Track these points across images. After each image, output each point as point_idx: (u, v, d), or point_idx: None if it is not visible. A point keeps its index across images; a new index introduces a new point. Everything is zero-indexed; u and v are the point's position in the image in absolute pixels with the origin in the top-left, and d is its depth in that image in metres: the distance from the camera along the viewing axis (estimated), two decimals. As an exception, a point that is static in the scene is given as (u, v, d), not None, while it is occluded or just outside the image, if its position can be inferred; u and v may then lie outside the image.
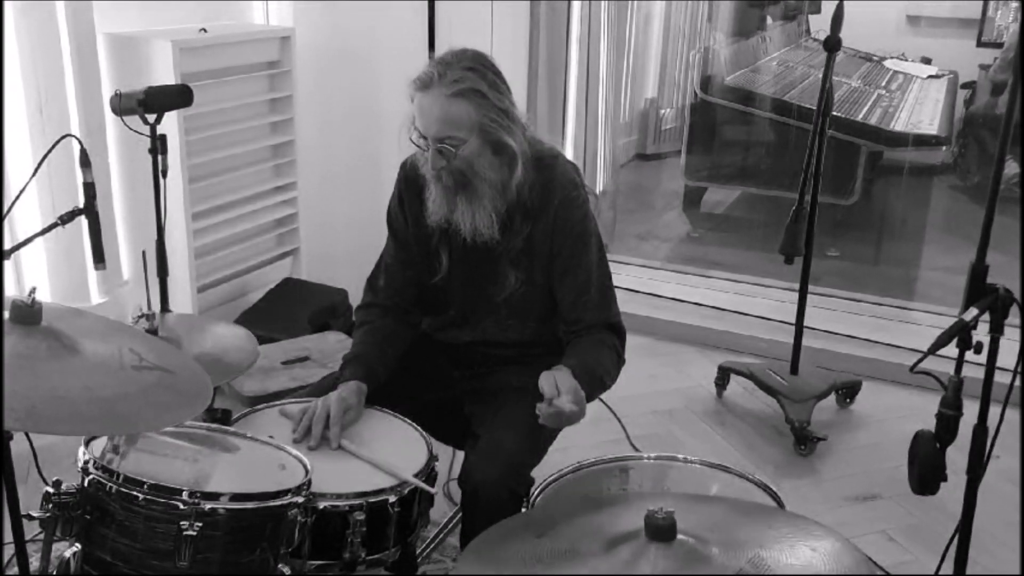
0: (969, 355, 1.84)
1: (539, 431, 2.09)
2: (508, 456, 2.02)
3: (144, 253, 2.61)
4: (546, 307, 2.22)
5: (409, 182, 2.22)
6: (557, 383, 1.91)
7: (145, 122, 2.53)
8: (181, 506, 1.61)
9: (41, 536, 1.65)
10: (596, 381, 2.06)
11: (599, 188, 4.98)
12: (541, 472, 2.02)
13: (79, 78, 3.18)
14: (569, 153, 4.67)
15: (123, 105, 2.55)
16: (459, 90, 1.99)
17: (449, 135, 2.02)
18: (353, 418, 2.08)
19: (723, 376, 3.68)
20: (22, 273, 3.23)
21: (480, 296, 2.24)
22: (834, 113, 3.89)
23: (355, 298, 2.45)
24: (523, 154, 2.07)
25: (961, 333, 1.81)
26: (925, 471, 1.91)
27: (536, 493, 1.93)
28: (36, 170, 2.18)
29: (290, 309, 3.73)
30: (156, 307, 2.55)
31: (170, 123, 3.14)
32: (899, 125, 5.53)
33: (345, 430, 2.04)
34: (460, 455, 2.31)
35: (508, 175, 2.07)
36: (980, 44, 6.38)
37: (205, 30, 3.47)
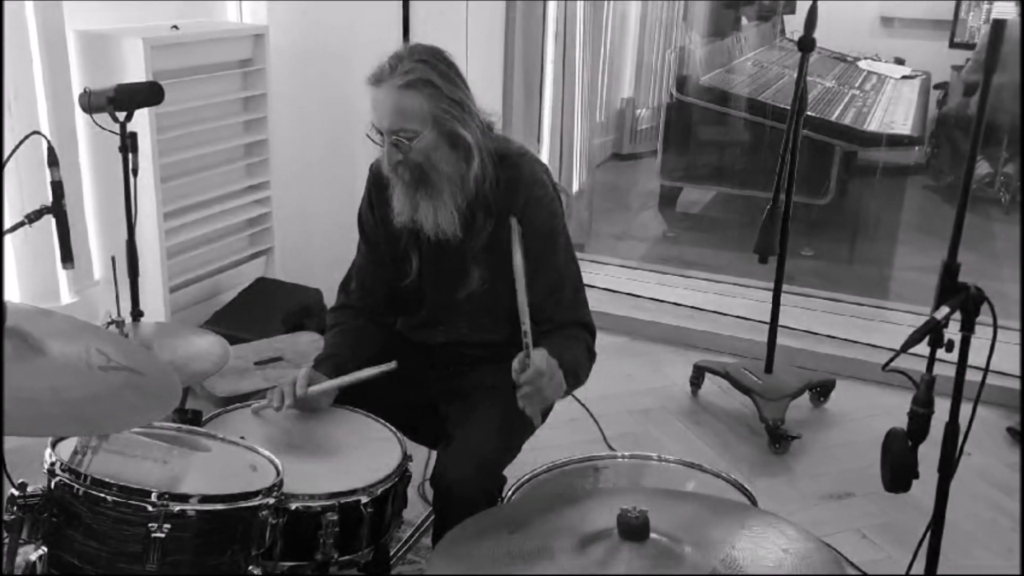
0: (941, 353, 1.85)
1: (513, 431, 2.08)
2: (481, 455, 2.01)
3: (113, 259, 2.58)
4: (514, 309, 2.21)
5: (378, 184, 2.21)
6: (527, 358, 1.90)
7: (115, 120, 2.50)
8: (150, 508, 1.59)
9: (6, 539, 1.63)
10: (569, 372, 2.04)
11: (575, 188, 4.98)
12: (515, 471, 2.01)
13: (48, 75, 3.14)
14: (545, 152, 4.67)
15: (93, 103, 2.52)
16: (410, 81, 1.99)
17: (402, 127, 2.01)
18: (321, 396, 2.10)
19: (698, 375, 3.69)
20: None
21: (449, 295, 2.23)
22: (808, 113, 3.91)
23: (329, 298, 2.44)
24: (480, 147, 2.07)
25: (933, 332, 1.81)
26: (897, 469, 1.92)
27: (509, 493, 1.92)
28: (2, 167, 2.15)
29: (263, 309, 3.71)
30: (126, 312, 2.53)
31: (142, 121, 3.12)
32: (873, 125, 5.57)
33: (317, 422, 2.04)
34: (435, 455, 2.30)
35: (466, 168, 2.07)
36: (952, 45, 6.44)
37: (177, 27, 3.43)
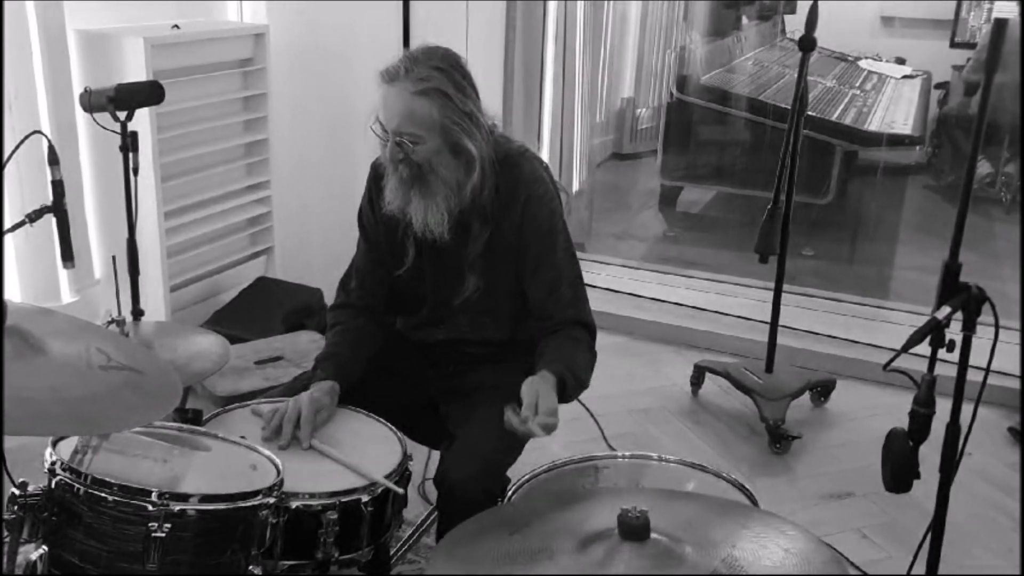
0: (942, 353, 1.85)
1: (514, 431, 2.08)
2: (484, 455, 2.01)
3: (114, 258, 2.58)
4: (515, 307, 2.22)
5: (378, 182, 2.21)
6: (539, 402, 1.90)
7: (116, 119, 2.50)
8: (150, 507, 1.59)
9: (7, 538, 1.62)
10: (578, 382, 2.09)
11: (575, 187, 4.98)
12: (515, 471, 2.01)
13: (49, 75, 3.14)
14: (545, 152, 4.66)
15: (93, 102, 2.52)
16: (424, 88, 1.99)
17: (409, 131, 2.01)
18: (326, 418, 2.07)
19: (699, 375, 3.69)
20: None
21: (449, 295, 2.23)
22: (809, 113, 3.91)
23: (329, 297, 2.44)
24: (482, 159, 2.06)
25: (934, 331, 1.81)
26: (898, 469, 1.91)
27: (511, 493, 1.92)
28: (3, 166, 2.15)
29: (264, 309, 3.71)
30: (126, 311, 2.53)
31: (143, 121, 3.12)
32: (873, 125, 5.56)
33: (318, 430, 2.03)
34: (435, 455, 2.30)
35: (464, 177, 2.07)
36: (953, 45, 6.43)
37: (178, 27, 3.43)
